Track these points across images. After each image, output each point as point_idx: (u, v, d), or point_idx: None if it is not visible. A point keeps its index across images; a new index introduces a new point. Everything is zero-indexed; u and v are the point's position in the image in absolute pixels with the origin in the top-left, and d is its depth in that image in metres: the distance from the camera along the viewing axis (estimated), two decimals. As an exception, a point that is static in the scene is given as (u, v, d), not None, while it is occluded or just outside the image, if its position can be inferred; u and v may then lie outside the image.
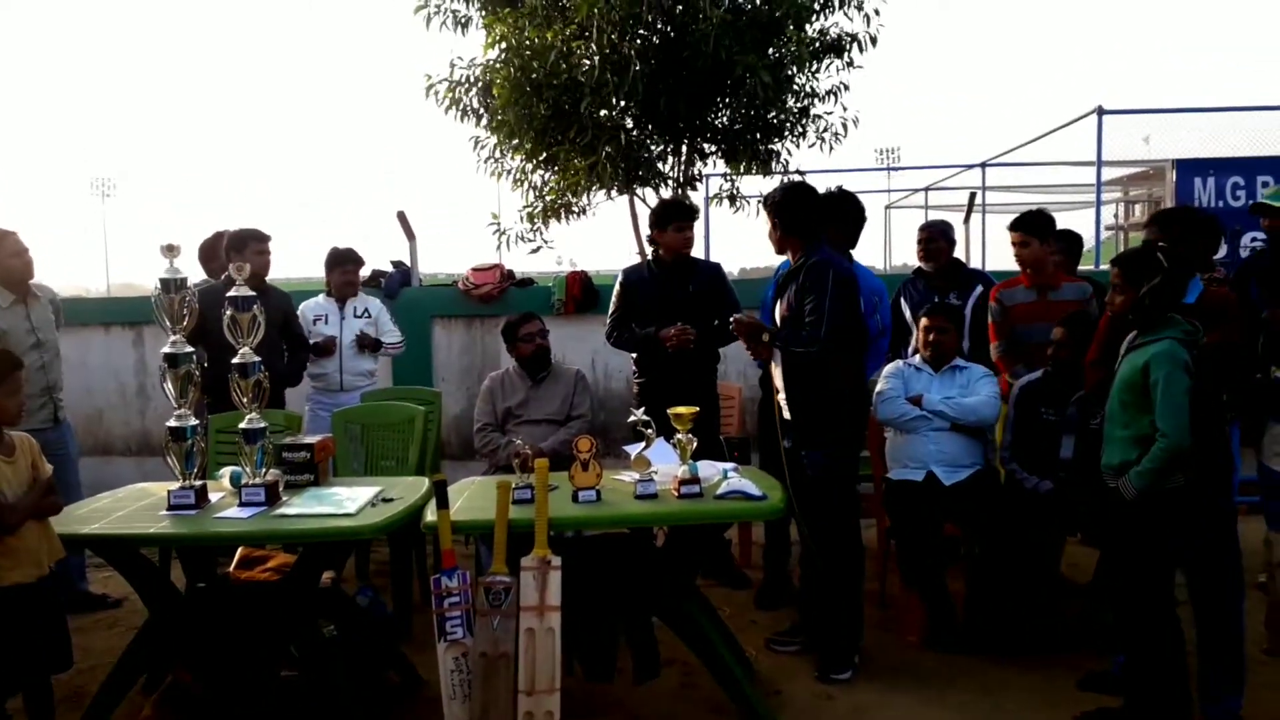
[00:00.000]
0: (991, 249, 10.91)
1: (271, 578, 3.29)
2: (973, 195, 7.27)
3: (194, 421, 3.24)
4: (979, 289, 4.61)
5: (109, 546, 3.21)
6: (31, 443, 2.89)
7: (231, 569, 3.40)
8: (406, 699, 3.45)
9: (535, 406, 4.45)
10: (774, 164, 7.66)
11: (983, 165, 11.16)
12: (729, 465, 3.45)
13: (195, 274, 5.21)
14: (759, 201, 7.99)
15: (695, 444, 3.22)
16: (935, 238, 4.78)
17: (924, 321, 4.09)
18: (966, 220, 7.20)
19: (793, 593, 4.23)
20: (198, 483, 3.22)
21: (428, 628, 3.06)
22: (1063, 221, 4.64)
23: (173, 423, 3.21)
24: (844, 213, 4.19)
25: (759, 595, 4.35)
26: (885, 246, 16.67)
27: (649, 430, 3.27)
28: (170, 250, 3.18)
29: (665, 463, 3.29)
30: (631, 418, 3.34)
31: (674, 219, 4.39)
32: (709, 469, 3.32)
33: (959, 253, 4.92)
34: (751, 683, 3.28)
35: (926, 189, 14.27)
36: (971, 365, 4.10)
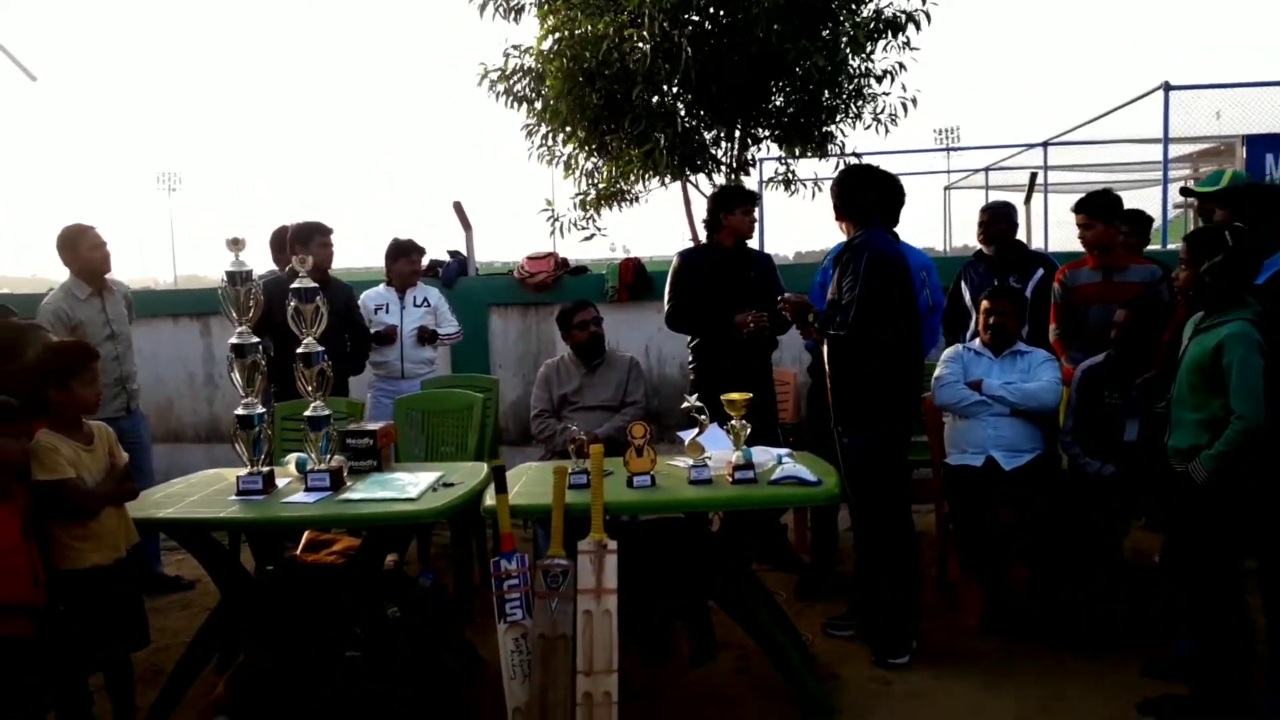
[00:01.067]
0: (1055, 230, 10.70)
1: (337, 561, 3.39)
2: (1033, 175, 7.11)
3: (261, 409, 3.33)
4: (1040, 272, 4.52)
5: (182, 530, 3.33)
6: (109, 431, 3.01)
7: (298, 552, 3.51)
8: (467, 679, 3.53)
9: (590, 393, 4.49)
10: (829, 146, 7.60)
11: (1044, 144, 10.93)
12: (783, 451, 3.46)
13: (264, 265, 5.36)
14: (814, 184, 7.95)
15: (749, 430, 3.23)
16: (996, 220, 4.70)
17: (984, 305, 4.04)
18: (1027, 201, 7.05)
19: (835, 583, 4.22)
20: (265, 469, 3.31)
21: (488, 610, 3.13)
22: (1130, 200, 4.52)
23: (240, 411, 3.31)
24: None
25: (799, 586, 4.32)
26: (945, 228, 16.45)
27: (703, 416, 3.29)
28: (236, 244, 3.28)
29: (719, 448, 3.31)
30: (685, 404, 3.36)
31: (740, 202, 4.41)
32: (763, 454, 3.33)
33: (1020, 234, 4.83)
34: (808, 666, 3.29)
35: (987, 169, 14.02)
36: (1033, 350, 4.04)
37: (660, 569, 3.26)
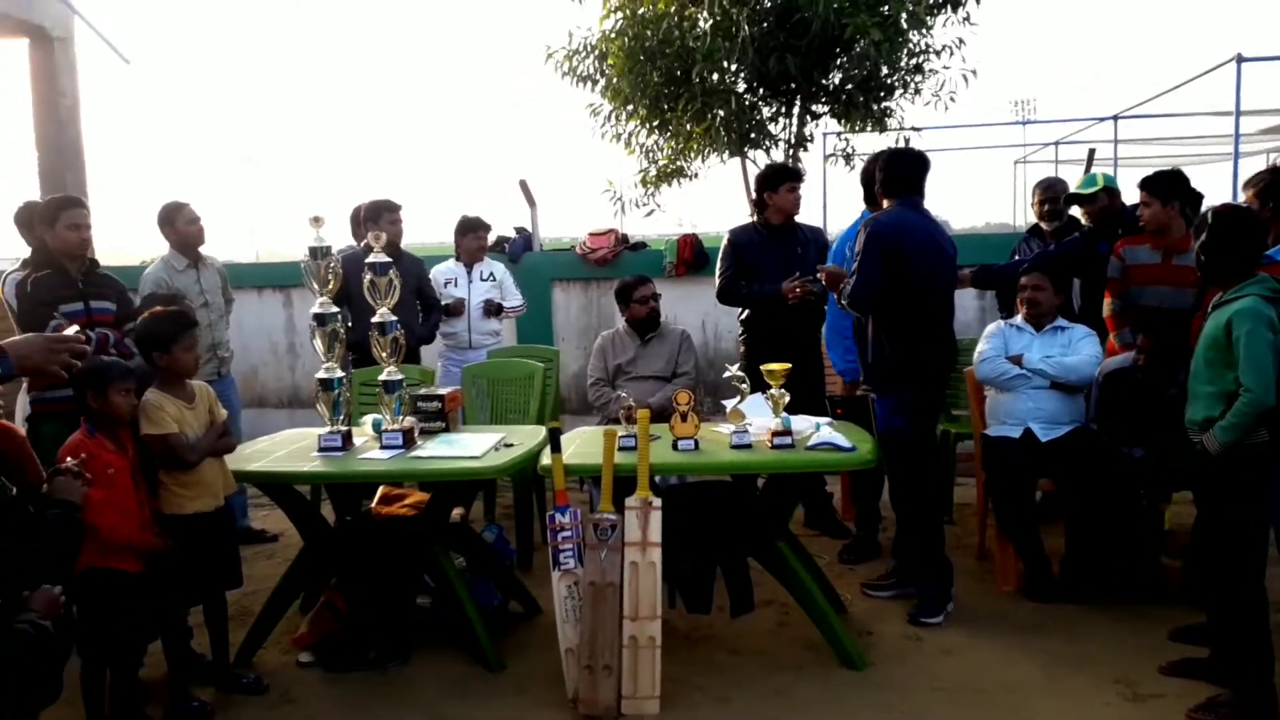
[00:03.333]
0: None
1: (409, 513, 3.69)
2: (1092, 151, 7.07)
3: (340, 373, 3.62)
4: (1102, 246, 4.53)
5: (270, 482, 3.64)
6: (209, 390, 3.32)
7: (373, 505, 3.82)
8: (526, 625, 3.81)
9: (643, 364, 4.72)
10: (888, 121, 7.64)
11: (1115, 118, 10.71)
12: (823, 420, 3.64)
13: (342, 241, 5.67)
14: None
15: (788, 398, 3.42)
16: (1054, 197, 4.75)
17: (1021, 280, 4.13)
18: (1086, 174, 7.01)
19: (876, 549, 4.42)
20: (344, 428, 3.61)
21: (547, 564, 3.39)
22: (1204, 175, 4.47)
23: (321, 374, 3.60)
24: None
25: (842, 551, 4.50)
26: (1014, 202, 16.22)
27: (744, 385, 3.49)
28: (317, 221, 3.56)
29: (760, 416, 3.51)
30: (726, 374, 3.57)
31: (784, 180, 4.55)
32: (803, 422, 3.52)
33: (1077, 210, 4.82)
34: (843, 623, 3.49)
35: (1056, 143, 13.76)
36: (1074, 325, 4.12)
37: (704, 526, 3.48)
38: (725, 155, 7.55)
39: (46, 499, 2.38)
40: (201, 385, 3.31)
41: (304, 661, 3.51)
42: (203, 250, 4.83)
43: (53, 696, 2.31)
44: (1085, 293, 4.52)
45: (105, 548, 2.86)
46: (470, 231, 5.65)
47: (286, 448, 3.70)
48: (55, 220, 3.84)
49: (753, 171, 7.69)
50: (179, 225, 4.72)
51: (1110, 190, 4.51)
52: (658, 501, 3.14)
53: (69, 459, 2.57)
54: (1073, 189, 4.55)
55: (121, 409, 2.96)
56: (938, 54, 7.31)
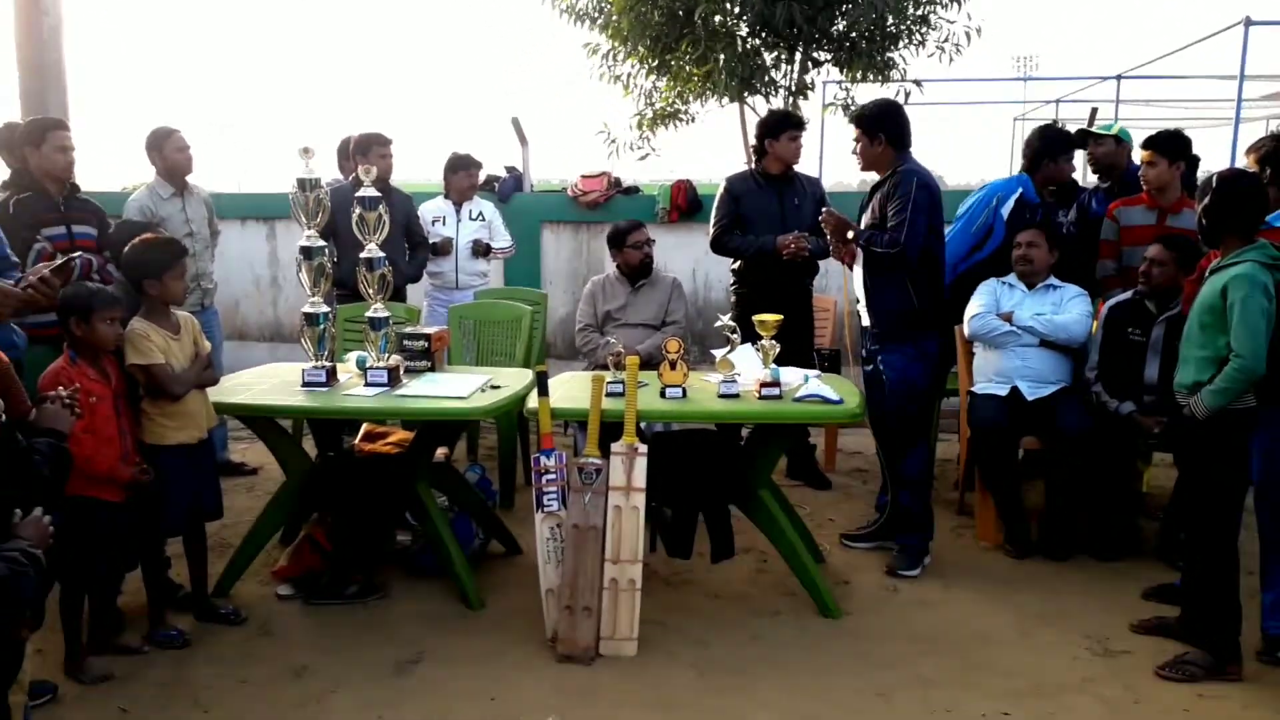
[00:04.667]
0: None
1: (391, 451, 3.68)
2: (1094, 110, 6.96)
3: (326, 308, 3.57)
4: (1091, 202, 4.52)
5: (253, 415, 3.60)
6: (193, 322, 3.27)
7: (356, 442, 3.81)
8: (506, 564, 3.83)
9: (633, 311, 4.68)
10: (891, 73, 7.54)
11: (1118, 78, 10.60)
12: (812, 372, 3.63)
13: (330, 174, 5.58)
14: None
15: (778, 349, 3.40)
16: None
17: (1017, 237, 4.10)
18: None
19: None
20: (328, 363, 3.58)
21: (528, 505, 3.39)
22: (1204, 139, 4.48)
23: (307, 309, 3.55)
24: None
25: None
26: (1011, 160, 16.10)
27: (734, 335, 3.47)
28: (306, 152, 3.48)
29: (749, 367, 3.49)
30: (718, 323, 3.54)
31: (787, 128, 4.47)
32: (792, 374, 3.51)
33: (1077, 170, 4.80)
34: (821, 572, 3.52)
35: (1058, 101, 13.62)
36: (1065, 285, 4.10)
37: (687, 473, 3.49)
38: (724, 100, 7.44)
39: (34, 427, 2.35)
40: (186, 316, 3.27)
41: (283, 594, 3.53)
42: (190, 179, 4.74)
43: (37, 623, 2.31)
44: (1071, 252, 4.49)
45: (85, 476, 2.84)
46: (461, 169, 5.55)
47: (269, 381, 3.67)
48: (41, 142, 3.78)
49: (751, 118, 7.59)
50: (167, 151, 4.62)
51: (1121, 140, 4.59)
52: (643, 448, 3.14)
53: (61, 389, 2.53)
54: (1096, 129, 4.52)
55: (106, 337, 2.91)
56: (944, 6, 7.19)
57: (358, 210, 3.60)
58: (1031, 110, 15.49)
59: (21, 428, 2.31)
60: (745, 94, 7.44)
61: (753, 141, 4.65)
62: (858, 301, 3.79)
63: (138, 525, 3.04)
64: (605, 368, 3.53)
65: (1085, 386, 3.94)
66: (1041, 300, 4.06)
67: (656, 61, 7.38)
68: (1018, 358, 4.00)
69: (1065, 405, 3.92)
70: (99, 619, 3.03)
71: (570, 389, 3.57)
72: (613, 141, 8.03)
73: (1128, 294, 3.94)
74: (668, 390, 3.37)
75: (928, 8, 7.29)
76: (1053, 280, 4.10)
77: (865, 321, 3.77)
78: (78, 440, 2.70)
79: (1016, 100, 15.87)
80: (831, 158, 9.18)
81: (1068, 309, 4.03)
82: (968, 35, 7.43)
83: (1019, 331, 3.98)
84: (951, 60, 7.55)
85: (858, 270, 3.73)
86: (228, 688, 2.91)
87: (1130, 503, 3.94)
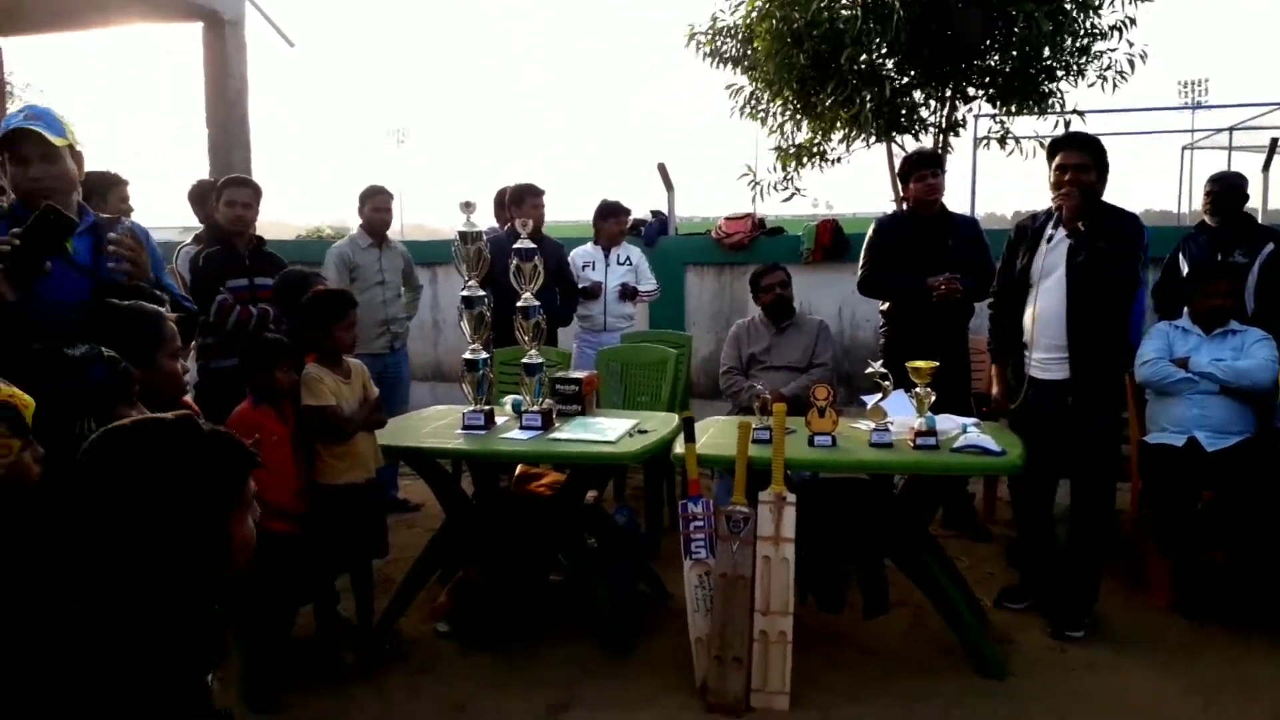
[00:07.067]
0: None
1: (545, 492, 3.77)
2: (1275, 140, 6.49)
3: (485, 355, 3.72)
4: (1270, 247, 4.24)
5: (416, 457, 3.74)
6: (363, 368, 3.47)
7: (511, 483, 3.93)
8: (654, 609, 3.85)
9: (778, 353, 4.65)
10: (1049, 103, 7.26)
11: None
12: (969, 420, 3.50)
13: (486, 220, 5.86)
14: (1036, 142, 7.57)
15: (934, 397, 3.31)
16: (1226, 191, 4.44)
17: (1203, 286, 3.87)
18: (1266, 168, 6.47)
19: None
20: (487, 407, 3.71)
21: (675, 549, 3.40)
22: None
23: (468, 355, 3.71)
24: None
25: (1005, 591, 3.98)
26: (1179, 192, 15.18)
27: (886, 382, 3.40)
28: (467, 207, 3.66)
29: (902, 414, 3.41)
30: (869, 369, 3.48)
31: (915, 170, 4.40)
32: (948, 423, 3.40)
33: (1255, 204, 4.51)
34: (982, 626, 3.38)
35: (1230, 129, 12.77)
36: (1247, 329, 3.84)
37: (839, 524, 3.42)
38: (871, 140, 7.35)
39: None
40: (356, 363, 3.46)
41: (442, 631, 3.64)
42: (391, 234, 5.24)
43: (221, 657, 2.45)
44: (1261, 294, 4.20)
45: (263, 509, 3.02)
46: (611, 216, 5.71)
47: (432, 424, 3.83)
48: (220, 197, 4.16)
49: (899, 156, 7.48)
50: (366, 210, 5.17)
51: None
52: (792, 497, 3.10)
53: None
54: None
55: (283, 384, 3.14)
56: (1105, 35, 6.89)
57: (515, 261, 3.74)
58: (1201, 139, 14.59)
59: None
60: (893, 133, 7.33)
61: (898, 183, 4.58)
62: (1025, 346, 3.62)
63: (308, 560, 3.19)
64: (749, 410, 3.51)
65: (1274, 438, 3.65)
66: (1221, 345, 3.81)
67: (801, 104, 7.37)
68: (1195, 406, 3.76)
69: (1250, 457, 3.64)
70: (272, 650, 3.19)
71: (716, 434, 3.57)
72: (756, 183, 8.05)
73: None
74: (816, 438, 3.33)
75: (1086, 39, 7.00)
76: (1233, 324, 3.85)
77: (1060, 373, 3.56)
78: (258, 477, 2.90)
79: (1184, 129, 14.96)
80: (985, 192, 8.94)
81: (1250, 353, 3.76)
82: (1130, 62, 7.09)
83: (1196, 379, 3.74)
84: (1115, 88, 7.22)
85: (1039, 306, 3.55)
86: (393, 722, 3.01)
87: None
